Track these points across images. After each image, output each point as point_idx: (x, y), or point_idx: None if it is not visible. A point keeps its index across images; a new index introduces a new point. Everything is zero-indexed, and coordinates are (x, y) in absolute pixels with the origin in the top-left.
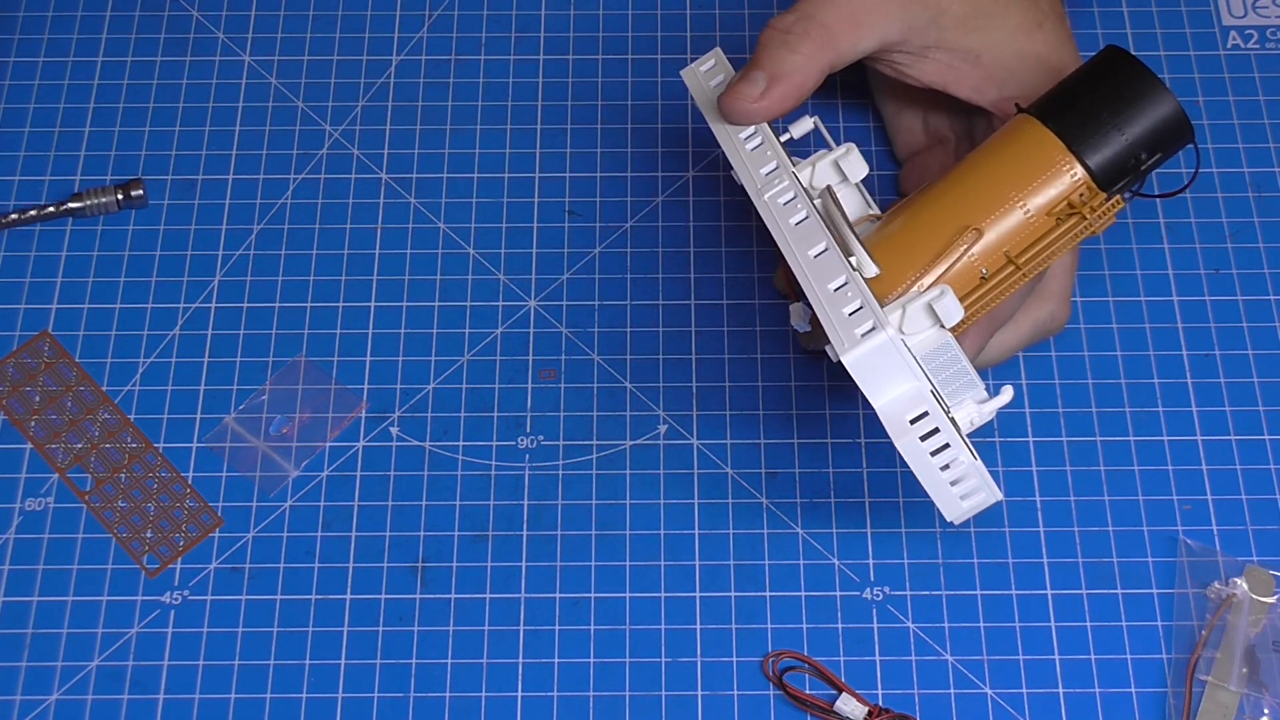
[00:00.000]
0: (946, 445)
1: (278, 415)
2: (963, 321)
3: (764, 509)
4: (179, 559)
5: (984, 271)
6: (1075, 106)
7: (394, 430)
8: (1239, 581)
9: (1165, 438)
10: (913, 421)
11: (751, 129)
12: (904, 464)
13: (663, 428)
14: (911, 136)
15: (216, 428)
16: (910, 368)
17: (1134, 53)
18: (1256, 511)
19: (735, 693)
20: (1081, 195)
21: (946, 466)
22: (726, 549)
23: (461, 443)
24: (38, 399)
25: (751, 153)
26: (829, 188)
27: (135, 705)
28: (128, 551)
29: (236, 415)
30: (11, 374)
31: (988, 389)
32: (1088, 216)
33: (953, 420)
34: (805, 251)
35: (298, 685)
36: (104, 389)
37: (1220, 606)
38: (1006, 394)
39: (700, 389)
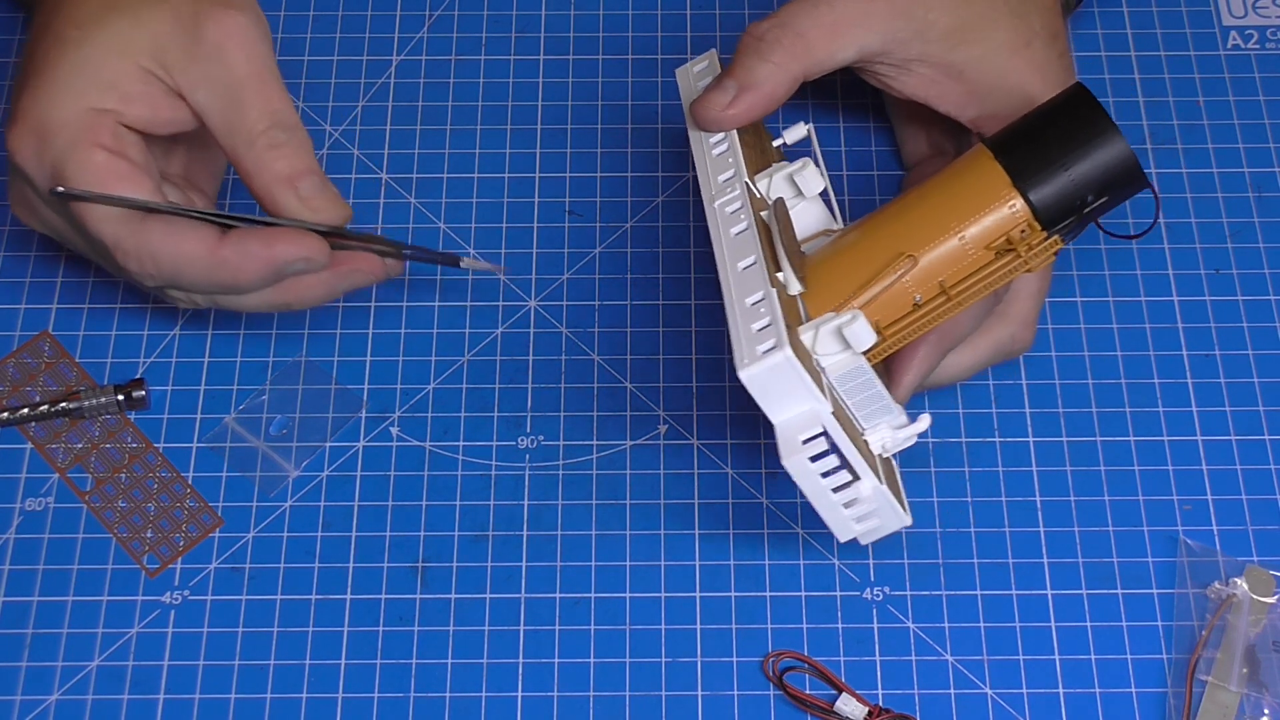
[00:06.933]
0: (839, 468)
1: (278, 415)
2: (880, 347)
3: (764, 509)
4: (179, 559)
5: (917, 298)
6: (1028, 142)
7: (394, 430)
8: (1239, 581)
9: (1165, 438)
10: (805, 442)
11: (721, 135)
12: (901, 464)
13: (663, 428)
14: (915, 146)
15: (216, 428)
16: (809, 389)
17: (1134, 54)
18: (1256, 511)
19: (735, 693)
20: (1022, 232)
21: (844, 488)
22: (726, 549)
23: (461, 443)
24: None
25: (715, 158)
26: (780, 201)
27: (135, 705)
28: (128, 551)
29: (236, 415)
30: (11, 374)
31: (909, 414)
32: (1023, 254)
33: (865, 443)
34: (735, 263)
35: (298, 685)
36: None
37: (1220, 606)
38: (923, 422)
39: (700, 389)
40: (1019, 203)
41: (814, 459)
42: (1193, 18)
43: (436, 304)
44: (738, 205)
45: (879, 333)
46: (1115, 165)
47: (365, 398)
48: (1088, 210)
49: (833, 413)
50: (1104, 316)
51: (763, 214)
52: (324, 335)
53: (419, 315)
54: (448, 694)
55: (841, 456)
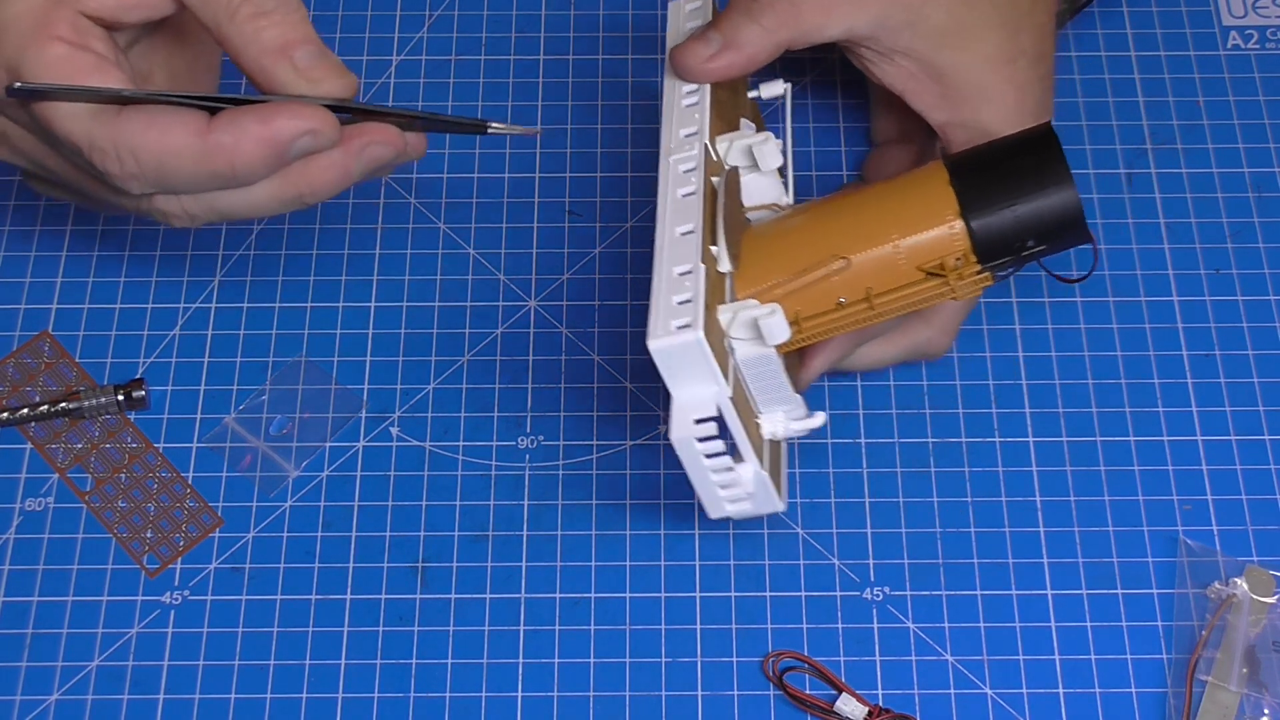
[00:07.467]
0: (724, 452)
1: (278, 415)
2: (796, 338)
3: None
4: (179, 559)
5: (842, 299)
6: (984, 172)
7: (394, 430)
8: (1239, 581)
9: (1165, 438)
10: (698, 422)
11: (695, 86)
12: (901, 464)
13: (663, 428)
14: (886, 128)
15: (216, 428)
16: (713, 373)
17: (1134, 54)
18: (1256, 511)
19: (735, 693)
20: (957, 260)
21: (726, 470)
22: (726, 549)
23: (461, 443)
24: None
25: (683, 109)
26: (734, 171)
27: (135, 705)
28: (128, 551)
29: (236, 415)
30: (11, 374)
31: (809, 408)
32: (952, 282)
33: (757, 425)
34: (674, 226)
35: (298, 685)
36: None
37: (1220, 606)
38: (818, 418)
39: None
40: (960, 230)
41: (702, 440)
42: (1193, 18)
43: (436, 304)
44: (691, 166)
45: (798, 323)
46: (1061, 215)
47: (365, 398)
48: (1025, 253)
49: (731, 396)
50: (1104, 316)
51: (714, 179)
52: (324, 335)
53: (419, 315)
54: (448, 694)
55: (730, 439)
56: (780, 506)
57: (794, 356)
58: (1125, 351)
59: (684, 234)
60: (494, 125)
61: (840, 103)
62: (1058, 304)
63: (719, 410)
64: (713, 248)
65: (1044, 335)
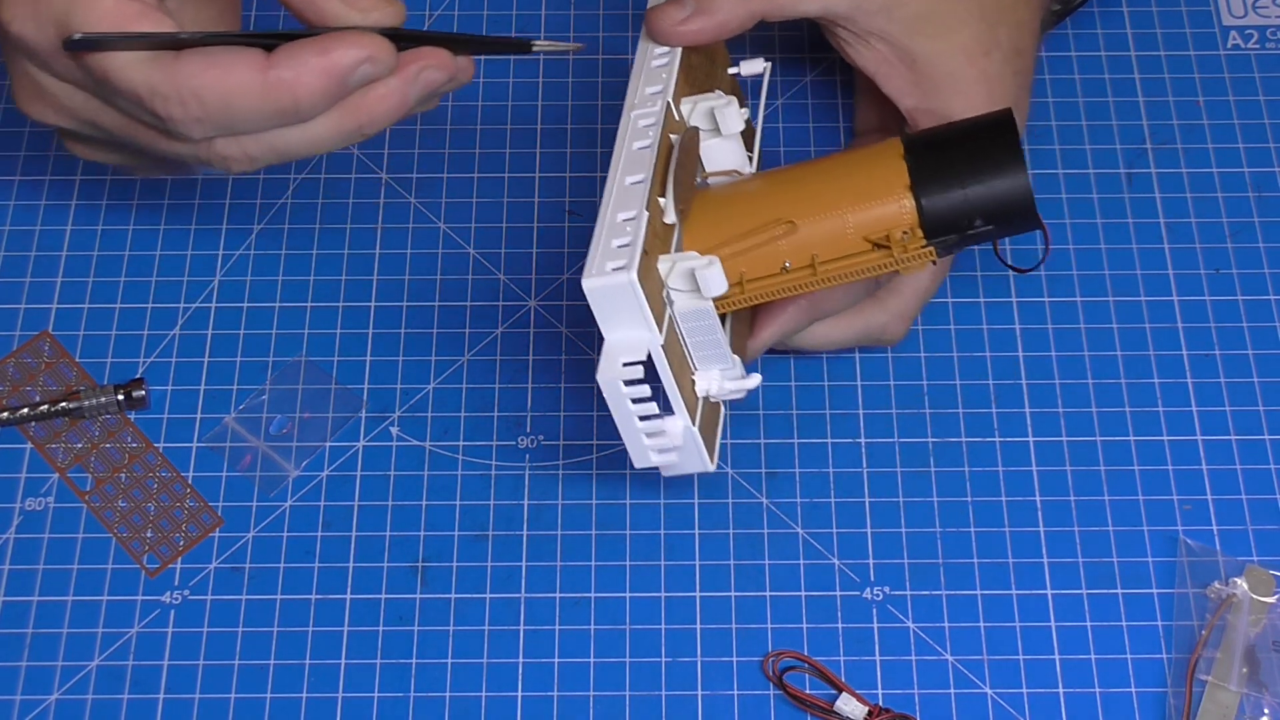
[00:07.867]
0: (651, 398)
1: (278, 415)
2: (737, 297)
3: (764, 509)
4: (179, 559)
5: (787, 264)
6: (939, 150)
7: (394, 430)
8: (1239, 581)
9: (1165, 438)
10: (625, 365)
11: (667, 49)
12: (901, 464)
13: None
14: (867, 117)
15: (216, 428)
16: (645, 317)
17: (1134, 54)
18: (1256, 511)
19: (735, 693)
20: (904, 233)
21: (653, 418)
22: (726, 549)
23: (461, 443)
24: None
25: (652, 69)
26: (693, 130)
27: (135, 705)
28: (128, 551)
29: (236, 415)
30: (11, 374)
31: (747, 369)
32: (895, 255)
33: (691, 382)
34: (624, 177)
35: (298, 685)
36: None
37: (1220, 606)
38: (754, 380)
39: None
40: (909, 205)
41: (629, 383)
42: (1193, 18)
43: (436, 304)
44: (651, 121)
45: (741, 284)
46: (1010, 199)
47: (365, 398)
48: (971, 232)
49: (663, 345)
50: (1104, 316)
51: (673, 136)
52: (324, 335)
53: (419, 315)
54: (448, 694)
55: (661, 390)
56: (709, 466)
57: (745, 326)
58: (1125, 351)
59: (632, 183)
60: (537, 43)
61: (840, 103)
62: (1057, 304)
63: (649, 356)
64: (660, 199)
65: (1044, 335)
